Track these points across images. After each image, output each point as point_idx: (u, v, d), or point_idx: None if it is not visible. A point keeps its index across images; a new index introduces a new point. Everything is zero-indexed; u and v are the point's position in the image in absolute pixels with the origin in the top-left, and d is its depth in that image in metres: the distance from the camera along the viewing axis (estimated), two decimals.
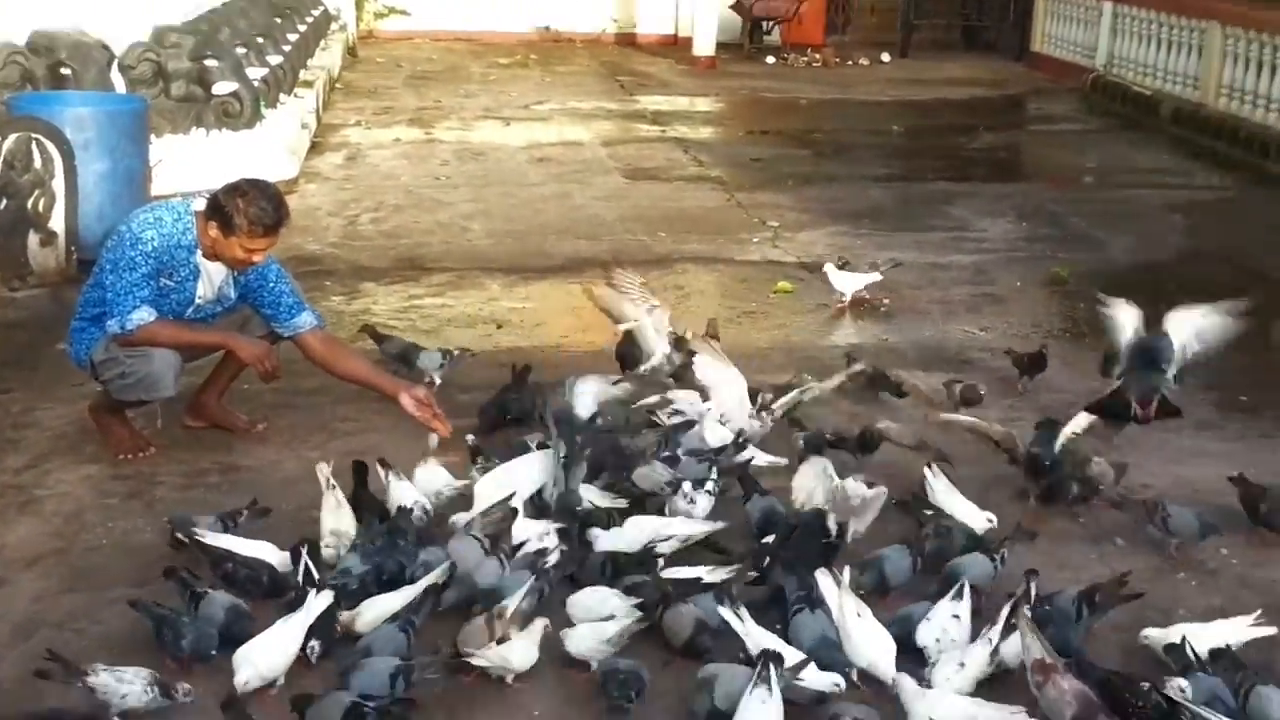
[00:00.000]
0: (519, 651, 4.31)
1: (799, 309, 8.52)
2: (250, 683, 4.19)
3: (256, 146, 11.42)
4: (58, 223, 8.81)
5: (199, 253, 5.88)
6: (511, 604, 4.46)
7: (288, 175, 11.60)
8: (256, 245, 5.76)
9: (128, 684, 4.08)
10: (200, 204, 5.85)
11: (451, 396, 6.64)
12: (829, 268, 8.46)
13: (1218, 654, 4.32)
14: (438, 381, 6.72)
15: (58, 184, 8.79)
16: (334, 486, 5.22)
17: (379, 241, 10.18)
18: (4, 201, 8.59)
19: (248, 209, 5.68)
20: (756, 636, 4.30)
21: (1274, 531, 5.32)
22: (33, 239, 8.73)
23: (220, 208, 5.71)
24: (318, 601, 4.33)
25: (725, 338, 7.84)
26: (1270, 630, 4.60)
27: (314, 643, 4.34)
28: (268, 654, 4.23)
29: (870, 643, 4.37)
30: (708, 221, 10.87)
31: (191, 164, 10.49)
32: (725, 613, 4.38)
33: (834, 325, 8.25)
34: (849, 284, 8.34)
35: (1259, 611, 4.67)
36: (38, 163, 8.71)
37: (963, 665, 4.25)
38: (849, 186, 12.39)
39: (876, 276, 8.40)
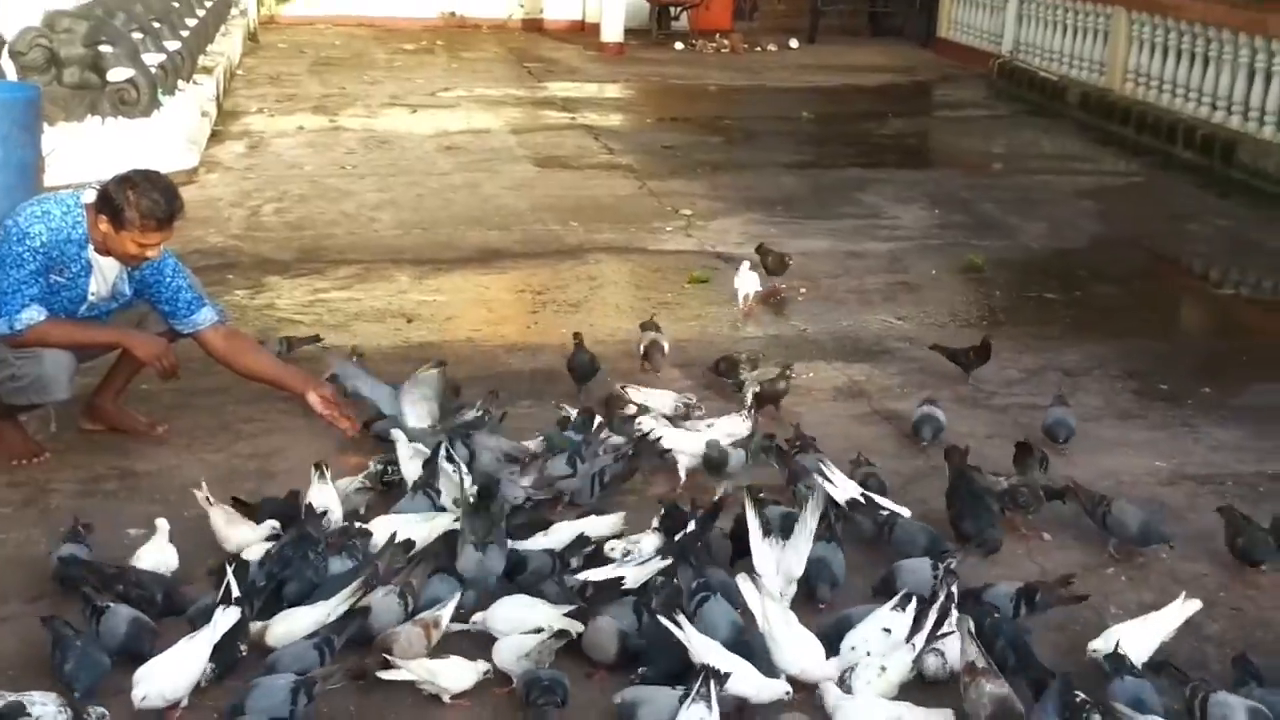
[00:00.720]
0: (453, 669, 4.13)
1: (714, 299, 8.37)
2: (149, 699, 3.95)
3: (154, 135, 11.10)
4: None
5: (90, 247, 5.61)
6: (445, 613, 4.29)
7: (187, 165, 11.27)
8: (149, 240, 5.50)
9: (39, 706, 3.83)
10: (90, 196, 5.57)
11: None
12: (743, 268, 8.09)
13: (1159, 666, 4.22)
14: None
15: None
16: (213, 504, 5.08)
17: (283, 233, 9.89)
18: None
19: (139, 202, 5.41)
20: (699, 645, 4.11)
21: (1252, 566, 5.08)
22: None
23: (110, 201, 5.44)
24: (224, 618, 4.10)
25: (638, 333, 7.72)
26: (1196, 605, 4.51)
27: (209, 664, 4.09)
28: (169, 673, 4.00)
29: (798, 648, 4.24)
30: (620, 210, 10.71)
31: (87, 153, 10.11)
32: (663, 623, 4.20)
33: (749, 317, 8.08)
34: (748, 284, 7.95)
35: (1183, 594, 4.58)
36: None
37: (884, 669, 4.13)
38: (761, 174, 12.27)
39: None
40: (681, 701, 3.83)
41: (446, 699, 4.14)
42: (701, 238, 9.91)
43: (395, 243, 9.72)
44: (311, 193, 11.11)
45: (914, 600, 4.36)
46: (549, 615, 4.35)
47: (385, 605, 4.40)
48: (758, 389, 6.30)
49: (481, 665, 4.16)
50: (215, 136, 13.06)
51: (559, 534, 5.00)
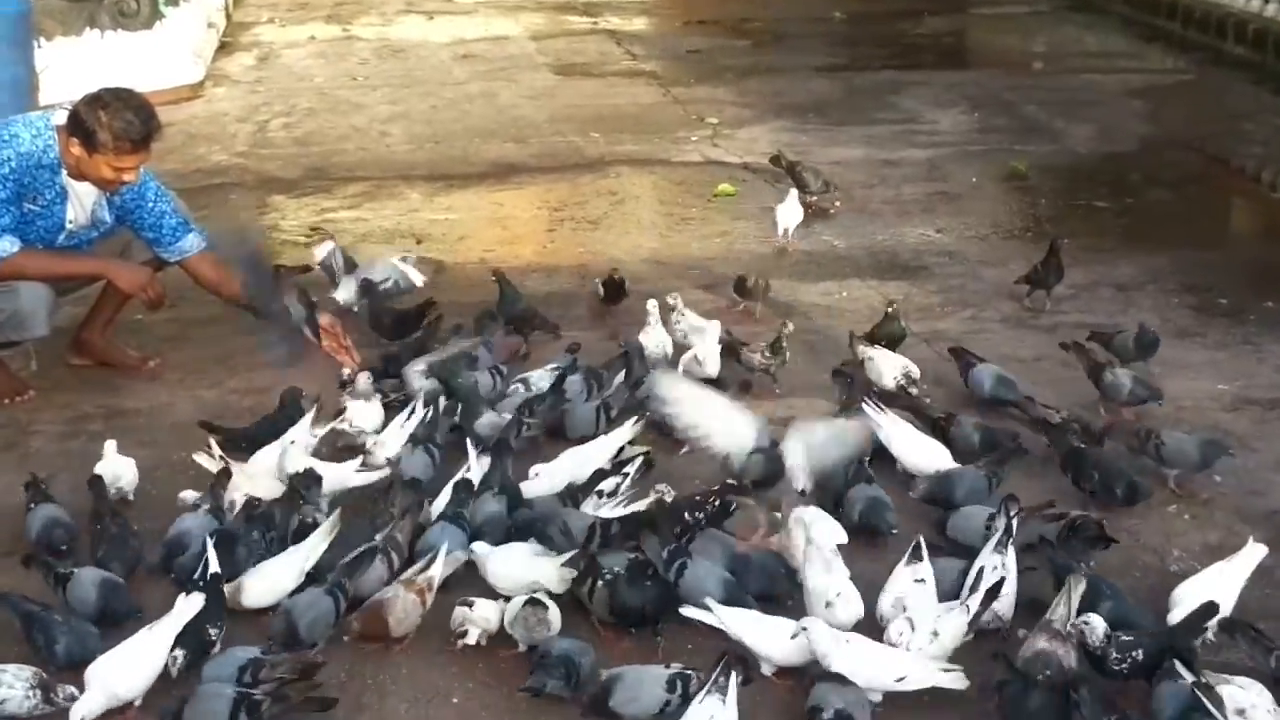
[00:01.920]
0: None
1: (741, 213, 7.93)
2: (98, 705, 3.52)
3: (156, 48, 10.67)
4: None
5: (64, 173, 5.21)
6: (436, 572, 3.94)
7: (192, 79, 10.85)
8: (125, 163, 5.09)
9: (6, 687, 3.53)
10: (61, 118, 5.15)
11: (365, 324, 6.05)
12: (789, 197, 7.31)
13: (1232, 626, 3.79)
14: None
15: None
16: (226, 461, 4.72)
17: (290, 149, 9.47)
18: None
19: (111, 122, 5.00)
20: (734, 623, 3.76)
21: None
22: None
23: (81, 122, 5.03)
24: (187, 605, 3.70)
25: (662, 245, 7.33)
26: (1262, 550, 4.06)
27: (177, 652, 3.68)
28: (125, 670, 3.59)
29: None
30: (643, 120, 10.21)
31: (84, 70, 9.63)
32: (691, 611, 3.84)
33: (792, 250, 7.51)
34: (791, 216, 7.22)
35: (1250, 538, 4.14)
36: None
37: (936, 634, 3.73)
38: (791, 78, 11.70)
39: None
40: (673, 687, 3.50)
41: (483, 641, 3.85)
42: (728, 147, 9.42)
43: (407, 158, 9.28)
44: (321, 106, 10.67)
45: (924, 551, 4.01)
46: (546, 571, 3.99)
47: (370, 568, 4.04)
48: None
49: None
50: (224, 49, 12.59)
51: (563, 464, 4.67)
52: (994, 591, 3.80)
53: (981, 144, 9.55)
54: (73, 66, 9.73)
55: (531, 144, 9.58)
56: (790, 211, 7.20)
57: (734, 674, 3.41)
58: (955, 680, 3.62)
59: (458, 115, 10.40)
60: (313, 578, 4.05)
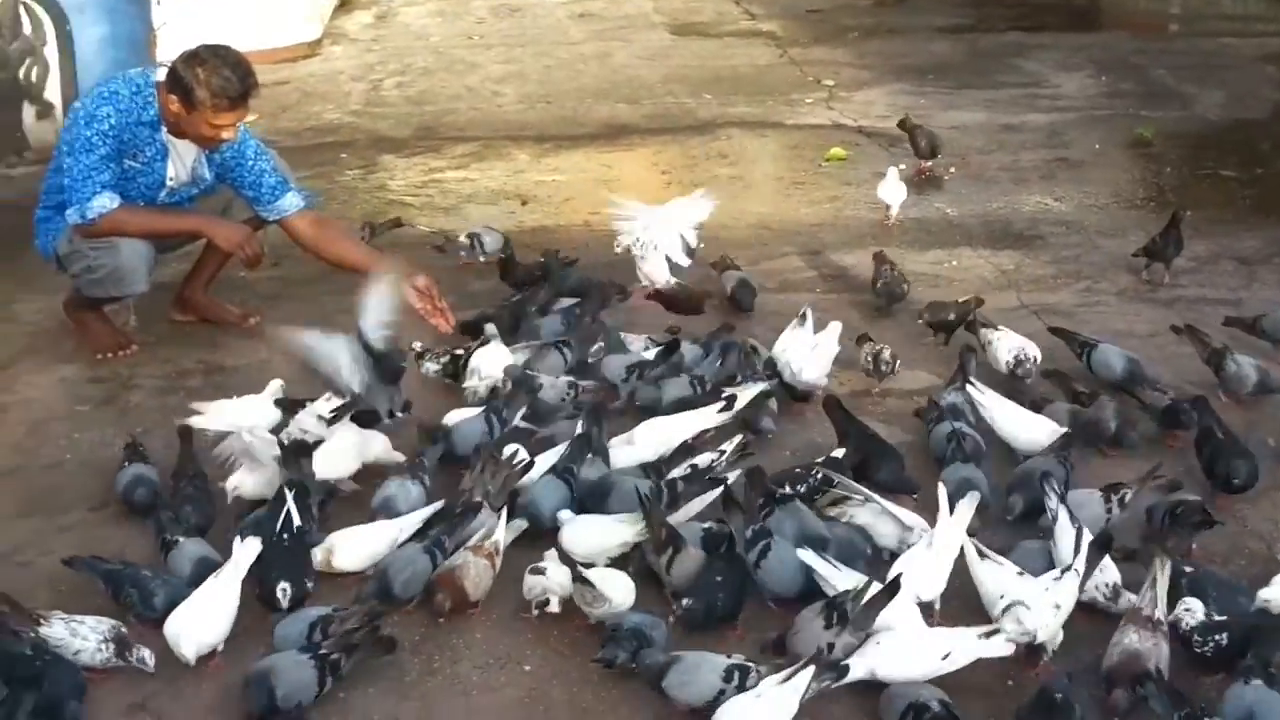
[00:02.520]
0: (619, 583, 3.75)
1: (853, 179, 7.75)
2: (192, 655, 3.58)
3: (274, 6, 10.69)
4: (54, 93, 8.23)
5: (164, 130, 5.23)
6: (500, 534, 3.91)
7: (309, 37, 10.95)
8: (223, 120, 5.09)
9: (81, 639, 3.56)
10: (162, 75, 5.17)
11: (462, 283, 6.02)
12: (890, 175, 6.99)
13: None
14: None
15: (50, 52, 8.18)
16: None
17: (403, 109, 9.48)
18: None
19: (209, 80, 5.00)
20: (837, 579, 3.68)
21: None
22: (28, 112, 8.22)
23: (180, 79, 5.04)
24: (245, 551, 3.70)
25: (771, 211, 7.15)
26: None
27: (284, 584, 3.73)
28: (204, 620, 3.62)
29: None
30: (757, 81, 10.06)
31: (201, 27, 9.68)
32: (809, 557, 3.74)
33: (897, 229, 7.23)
34: (895, 195, 6.91)
35: None
36: (27, 29, 8.12)
37: (1059, 607, 3.57)
38: (912, 39, 11.46)
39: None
40: (730, 677, 3.38)
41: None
42: (843, 110, 9.23)
43: (518, 118, 9.24)
44: (436, 65, 10.68)
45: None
46: (623, 534, 3.94)
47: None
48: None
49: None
50: (343, 6, 12.67)
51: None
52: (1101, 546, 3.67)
53: (1107, 109, 9.25)
54: (191, 23, 9.78)
55: (643, 105, 9.48)
56: (893, 190, 6.90)
57: (812, 677, 3.28)
58: (999, 647, 3.48)
59: (571, 75, 10.34)
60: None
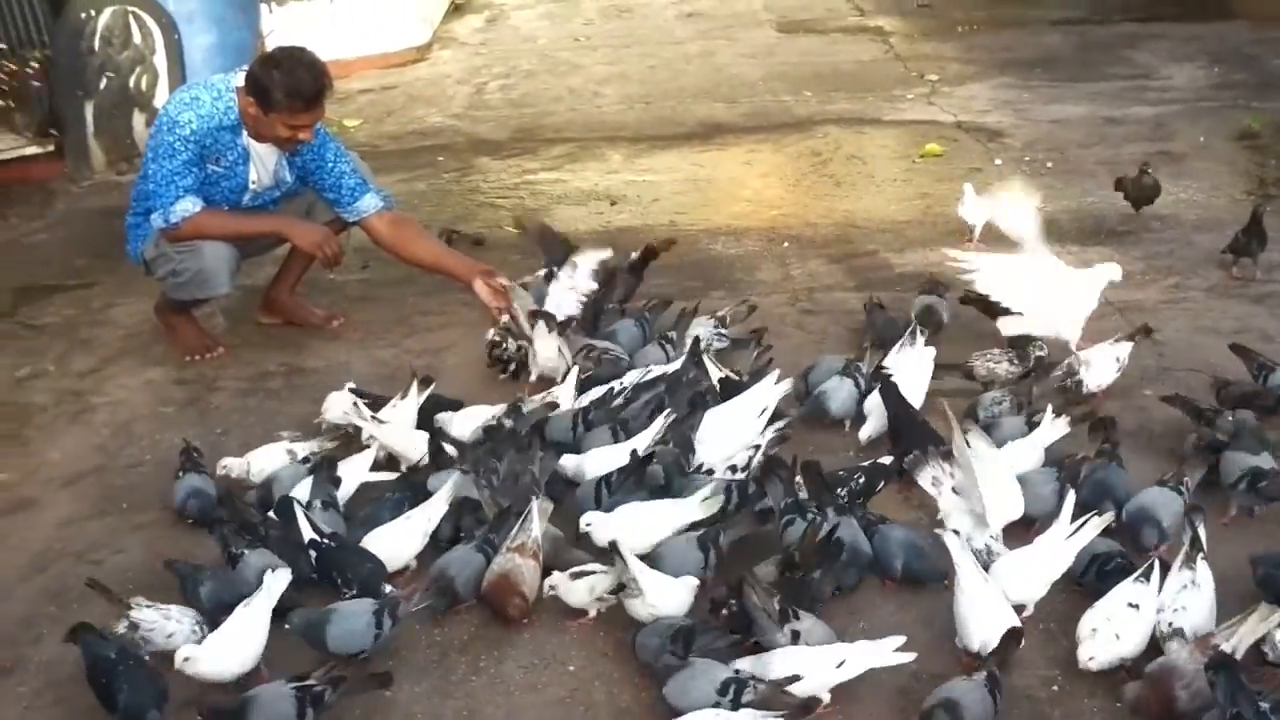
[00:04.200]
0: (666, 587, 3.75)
1: (945, 175, 7.64)
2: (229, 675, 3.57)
3: (384, 11, 10.87)
4: (163, 101, 8.42)
5: (245, 133, 5.35)
6: (534, 530, 3.90)
7: (418, 41, 11.10)
8: (300, 121, 5.20)
9: (175, 622, 3.67)
10: (241, 80, 5.29)
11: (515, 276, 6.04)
12: (967, 192, 6.60)
13: None
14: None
15: (159, 60, 8.42)
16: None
17: (503, 111, 9.58)
18: (105, 80, 8.29)
19: (284, 80, 5.11)
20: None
21: None
22: (138, 119, 8.44)
23: (256, 82, 5.16)
24: (276, 581, 3.67)
25: (860, 209, 7.07)
26: None
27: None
28: (233, 650, 3.58)
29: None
30: (860, 77, 9.98)
31: (309, 33, 9.91)
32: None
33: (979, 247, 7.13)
34: (979, 214, 6.48)
35: None
36: (137, 38, 8.35)
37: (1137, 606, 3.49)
38: (1022, 32, 11.28)
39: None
40: (726, 691, 3.33)
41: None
42: (944, 105, 9.12)
43: (615, 119, 9.28)
44: (540, 67, 10.77)
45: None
46: (679, 515, 4.00)
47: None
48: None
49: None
50: (456, 10, 12.85)
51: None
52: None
53: (1215, 100, 9.00)
54: (297, 30, 9.99)
55: (741, 104, 9.47)
56: (974, 209, 6.53)
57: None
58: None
59: (673, 75, 10.36)
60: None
